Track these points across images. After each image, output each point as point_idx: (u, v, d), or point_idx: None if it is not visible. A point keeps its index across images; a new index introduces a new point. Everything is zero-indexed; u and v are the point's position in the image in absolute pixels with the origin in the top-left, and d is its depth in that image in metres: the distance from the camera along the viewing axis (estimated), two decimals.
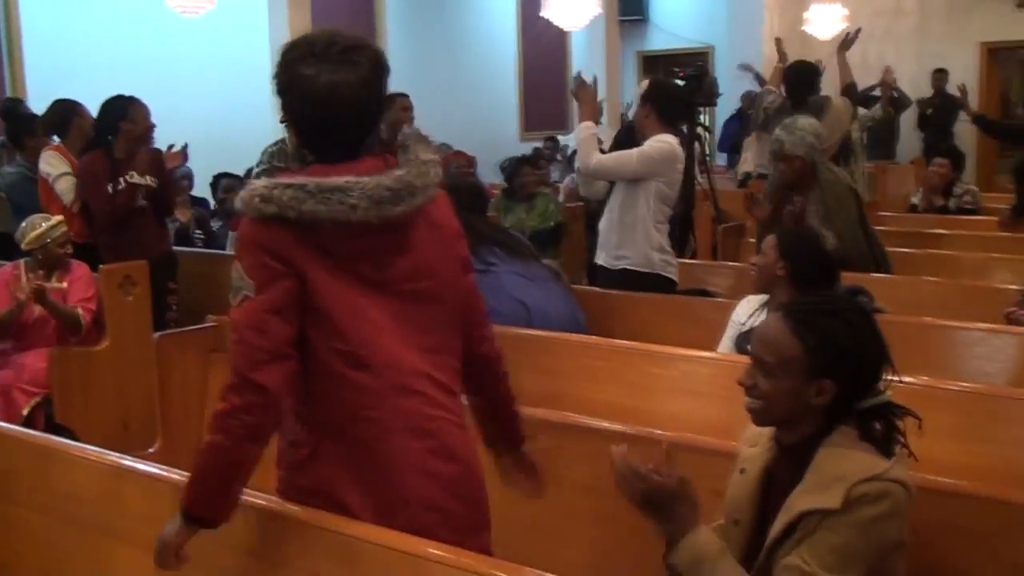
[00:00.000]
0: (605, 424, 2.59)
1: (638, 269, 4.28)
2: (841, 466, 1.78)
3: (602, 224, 4.45)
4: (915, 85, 11.23)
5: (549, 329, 3.70)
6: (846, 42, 6.67)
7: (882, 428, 1.86)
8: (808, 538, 1.76)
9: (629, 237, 4.23)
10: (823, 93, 6.13)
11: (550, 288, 4.05)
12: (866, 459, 1.79)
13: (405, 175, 1.87)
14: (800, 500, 1.80)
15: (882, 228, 6.17)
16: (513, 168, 6.79)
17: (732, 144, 10.60)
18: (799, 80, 5.61)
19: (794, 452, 1.87)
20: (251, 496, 1.91)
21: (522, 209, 6.49)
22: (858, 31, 6.93)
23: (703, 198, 6.48)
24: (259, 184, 1.82)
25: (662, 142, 4.21)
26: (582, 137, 4.30)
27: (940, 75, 11.10)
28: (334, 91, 1.81)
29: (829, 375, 1.84)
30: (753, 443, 2.00)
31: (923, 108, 10.98)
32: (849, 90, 6.29)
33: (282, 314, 1.78)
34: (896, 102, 10.78)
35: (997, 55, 11.72)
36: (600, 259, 4.45)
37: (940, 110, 10.83)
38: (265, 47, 6.97)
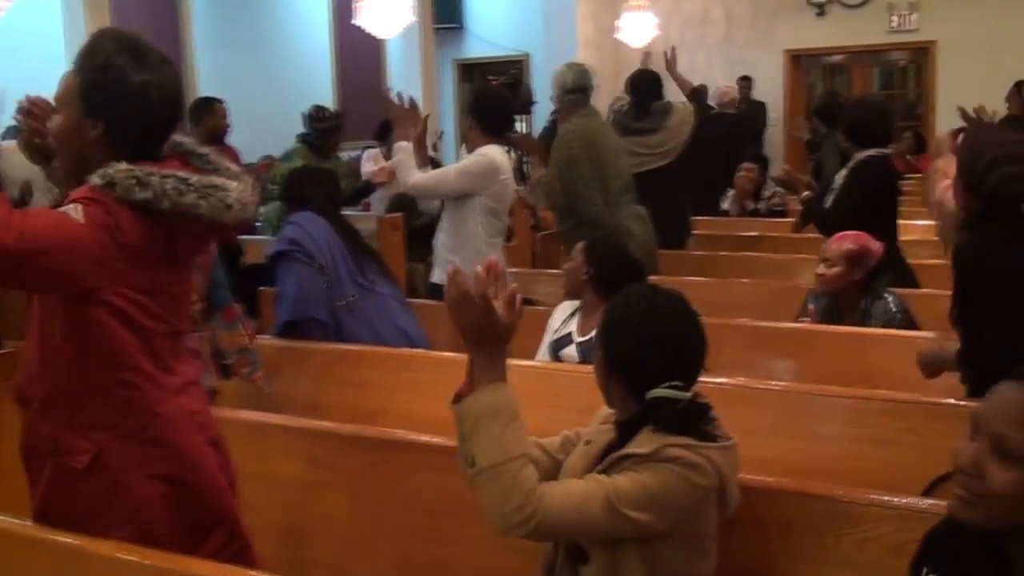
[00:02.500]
0: (424, 438, 2.59)
1: None
2: (660, 436, 1.89)
3: (436, 241, 4.51)
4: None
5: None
6: (670, 62, 6.97)
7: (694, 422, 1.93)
8: (615, 471, 1.87)
9: (461, 254, 4.28)
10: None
11: (411, 314, 4.04)
12: (684, 438, 1.88)
13: (246, 186, 1.99)
14: (619, 452, 1.91)
15: (696, 232, 6.46)
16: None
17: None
18: (642, 86, 5.76)
19: (624, 428, 1.98)
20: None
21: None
22: (674, 50, 7.17)
23: (521, 206, 6.59)
24: (127, 167, 1.87)
25: (480, 155, 4.29)
26: (398, 159, 4.33)
27: (745, 83, 11.62)
28: (153, 88, 1.91)
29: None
30: (604, 421, 2.09)
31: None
32: (696, 94, 6.64)
33: (59, 256, 1.80)
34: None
35: (800, 62, 12.41)
36: (436, 277, 4.49)
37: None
38: (60, 50, 6.67)
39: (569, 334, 3.59)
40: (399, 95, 4.43)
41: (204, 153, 2.04)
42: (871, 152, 4.25)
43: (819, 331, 3.68)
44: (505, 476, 1.78)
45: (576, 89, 4.93)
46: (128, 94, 1.90)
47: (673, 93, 6.37)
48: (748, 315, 4.00)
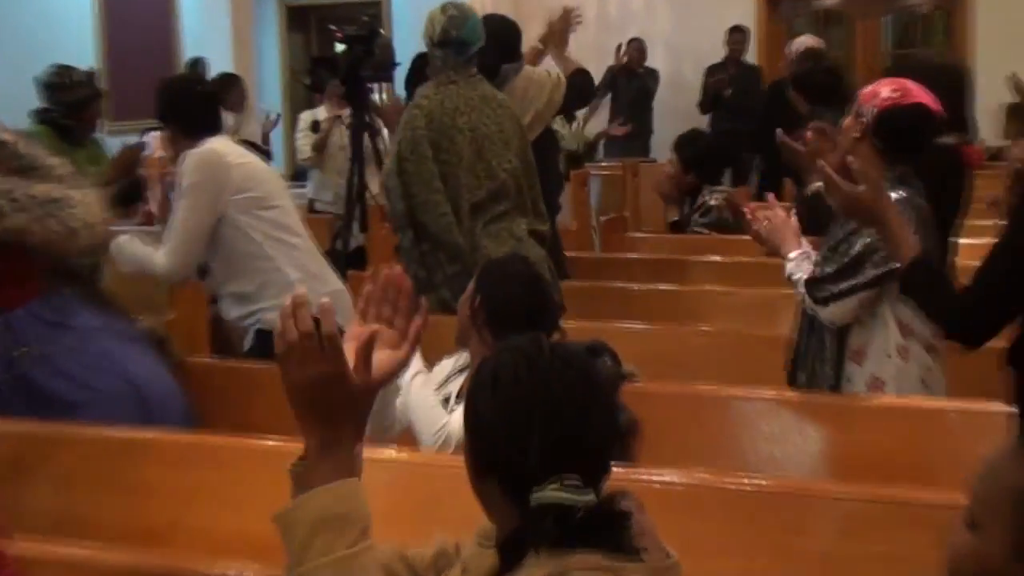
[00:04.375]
0: (233, 571, 2.58)
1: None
2: (555, 558, 1.86)
3: (222, 308, 4.95)
4: (677, 49, 12.11)
5: (169, 423, 3.73)
6: (553, 35, 6.55)
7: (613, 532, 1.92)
8: None
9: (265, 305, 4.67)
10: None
11: (154, 361, 4.06)
12: (591, 555, 1.86)
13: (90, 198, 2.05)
14: None
15: (632, 256, 6.55)
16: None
17: None
18: (490, 41, 5.57)
19: (506, 550, 1.96)
20: None
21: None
22: (571, 16, 6.66)
23: (379, 217, 6.60)
24: None
25: (192, 156, 4.65)
26: (122, 252, 4.76)
27: (737, 35, 11.93)
28: None
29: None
30: (484, 538, 2.06)
31: (714, 85, 11.71)
32: (577, 76, 6.32)
33: None
34: (640, 77, 11.65)
35: (780, 6, 12.75)
36: (249, 343, 4.85)
37: (740, 85, 11.61)
38: None
39: (449, 397, 3.64)
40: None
41: (6, 141, 1.98)
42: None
43: (807, 401, 3.76)
44: None
45: (447, 42, 5.00)
46: None
47: None
48: (709, 376, 4.06)
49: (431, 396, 3.62)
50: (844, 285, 3.74)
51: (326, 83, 7.81)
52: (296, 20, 14.03)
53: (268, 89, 13.55)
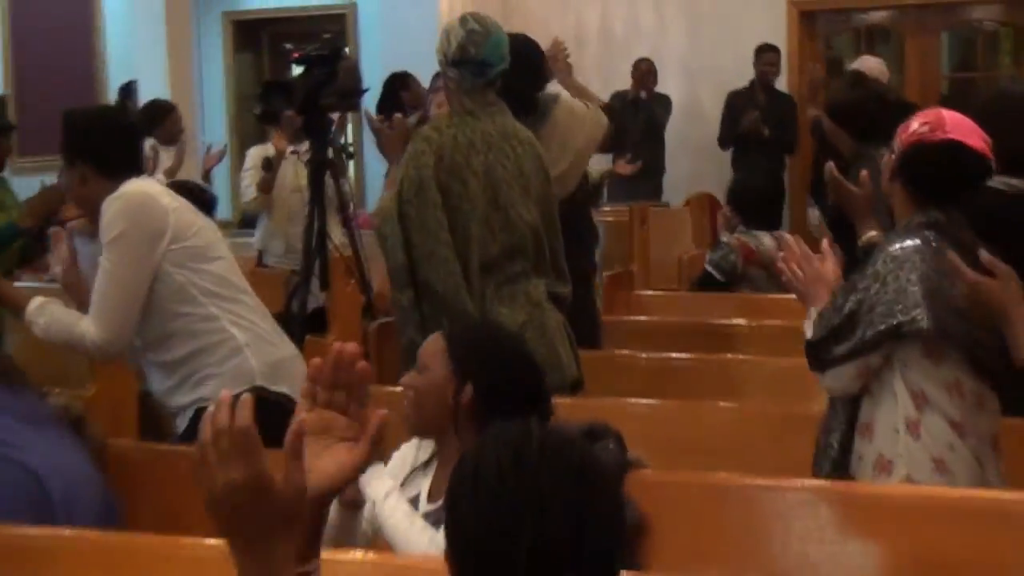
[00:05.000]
0: None
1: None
2: None
3: (152, 385, 4.83)
4: (693, 71, 12.20)
5: (80, 521, 3.67)
6: (554, 58, 6.56)
7: None
8: None
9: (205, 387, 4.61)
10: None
11: (65, 445, 4.02)
12: None
13: None
14: None
15: (641, 318, 6.55)
16: None
17: None
18: (517, 63, 5.54)
19: None
20: None
21: None
22: (559, 51, 6.70)
23: (344, 271, 6.60)
24: None
25: (108, 204, 4.55)
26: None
27: (770, 55, 11.93)
28: None
29: None
30: None
31: (750, 126, 11.66)
32: (607, 108, 6.55)
33: None
34: (648, 105, 11.67)
35: (815, 20, 12.86)
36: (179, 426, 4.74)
37: (772, 109, 11.70)
38: None
39: (416, 497, 3.61)
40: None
41: None
42: None
43: (849, 492, 3.75)
44: None
45: (464, 61, 4.90)
46: None
47: None
48: (732, 462, 4.04)
49: (414, 517, 3.53)
50: (840, 349, 3.76)
51: (280, 112, 7.73)
52: (245, 37, 14.04)
53: (211, 119, 13.59)
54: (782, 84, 12.17)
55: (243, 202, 9.06)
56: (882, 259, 3.77)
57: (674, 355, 5.87)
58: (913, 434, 3.73)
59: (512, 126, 5.13)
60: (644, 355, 5.94)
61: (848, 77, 8.09)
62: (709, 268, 7.31)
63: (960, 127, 3.79)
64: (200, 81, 12.54)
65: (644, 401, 4.94)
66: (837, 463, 3.86)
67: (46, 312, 4.61)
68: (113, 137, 4.76)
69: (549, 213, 5.15)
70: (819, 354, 3.82)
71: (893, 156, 3.85)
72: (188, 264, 4.60)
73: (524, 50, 5.69)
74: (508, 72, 5.11)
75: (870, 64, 8.65)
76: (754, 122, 11.49)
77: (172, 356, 4.64)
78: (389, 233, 4.98)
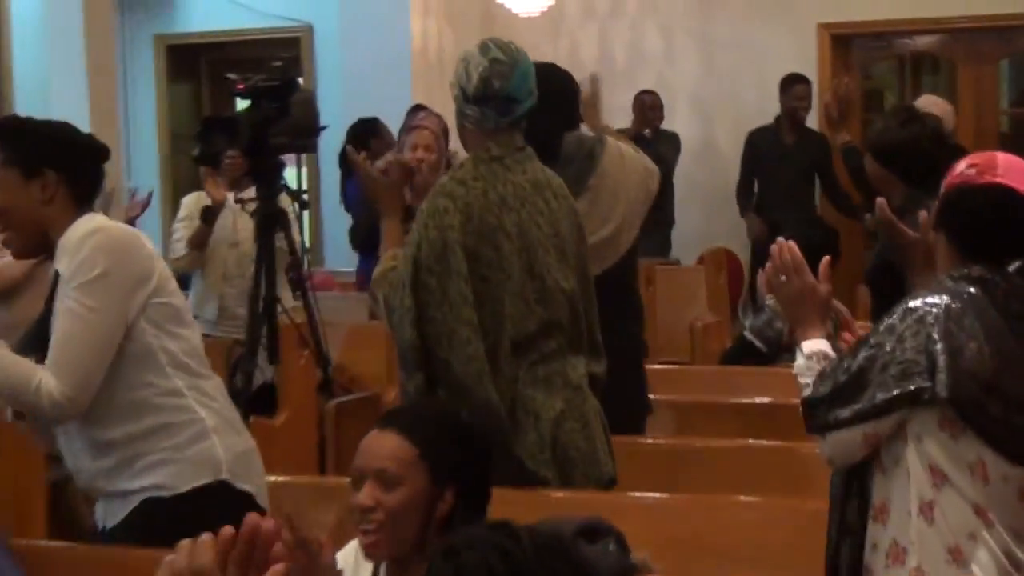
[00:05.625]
0: None
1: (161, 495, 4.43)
2: None
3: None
4: (706, 105, 12.32)
5: None
6: (590, 98, 6.67)
7: None
8: None
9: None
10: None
11: None
12: None
13: None
14: None
15: (649, 396, 6.57)
16: None
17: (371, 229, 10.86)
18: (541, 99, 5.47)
19: None
20: None
21: None
22: (595, 81, 6.96)
23: (296, 341, 6.62)
24: None
25: (96, 232, 4.46)
26: None
27: (799, 88, 11.93)
28: None
29: None
30: None
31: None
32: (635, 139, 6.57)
33: None
34: (653, 144, 11.70)
35: (850, 45, 12.96)
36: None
37: (802, 152, 11.78)
38: None
39: None
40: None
41: None
42: None
43: None
44: None
45: (487, 98, 4.82)
46: None
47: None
48: (752, 565, 4.07)
49: None
50: (844, 413, 3.68)
51: (222, 153, 7.68)
52: (181, 64, 14.01)
53: (140, 160, 13.58)
54: (811, 121, 12.16)
55: (171, 259, 8.71)
56: (901, 312, 3.71)
57: (686, 440, 5.88)
58: (926, 517, 3.64)
59: (544, 176, 5.06)
60: (650, 440, 5.96)
61: (898, 112, 7.70)
62: (749, 336, 7.34)
63: (1013, 170, 3.77)
64: (127, 114, 12.56)
65: (651, 494, 4.96)
66: (835, 546, 3.85)
67: None
68: (88, 152, 4.70)
69: (585, 278, 5.10)
70: (820, 415, 3.76)
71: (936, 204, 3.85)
72: (164, 325, 4.52)
73: (553, 81, 5.70)
74: (535, 109, 5.03)
75: (932, 101, 8.69)
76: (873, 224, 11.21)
77: (119, 432, 4.48)
78: (398, 305, 4.85)
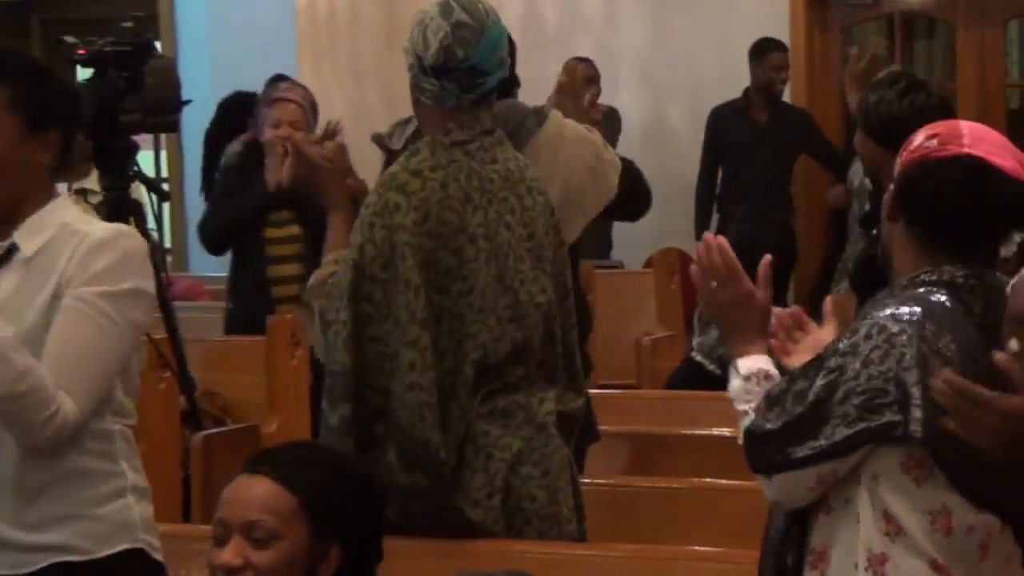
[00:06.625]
0: None
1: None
2: None
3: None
4: (656, 78, 12.37)
5: None
6: (568, 82, 7.09)
7: None
8: None
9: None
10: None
11: None
12: None
13: None
14: None
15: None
16: None
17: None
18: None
19: None
20: None
21: None
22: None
23: (155, 362, 6.66)
24: None
25: (121, 236, 4.39)
26: None
27: (776, 56, 12.14)
28: None
29: None
30: None
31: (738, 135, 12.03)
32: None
33: None
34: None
35: (831, 9, 13.09)
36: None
37: (778, 132, 12.02)
38: None
39: None
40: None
41: None
42: None
43: None
44: None
45: (449, 69, 4.81)
46: None
47: None
48: None
49: None
50: (799, 452, 3.63)
51: None
52: (7, 23, 13.98)
53: None
54: (786, 95, 12.31)
55: None
56: (866, 330, 3.66)
57: (630, 480, 5.92)
58: (875, 572, 3.62)
59: (517, 165, 5.06)
60: (587, 480, 5.98)
61: (895, 80, 7.10)
62: (698, 357, 7.36)
63: (984, 140, 3.72)
64: None
65: (584, 548, 5.00)
66: None
67: (24, 354, 4.19)
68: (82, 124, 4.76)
69: (563, 291, 5.11)
70: (768, 453, 3.69)
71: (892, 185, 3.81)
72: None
73: None
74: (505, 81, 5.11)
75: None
76: (840, 196, 11.34)
77: (44, 477, 4.33)
78: (334, 319, 4.82)
